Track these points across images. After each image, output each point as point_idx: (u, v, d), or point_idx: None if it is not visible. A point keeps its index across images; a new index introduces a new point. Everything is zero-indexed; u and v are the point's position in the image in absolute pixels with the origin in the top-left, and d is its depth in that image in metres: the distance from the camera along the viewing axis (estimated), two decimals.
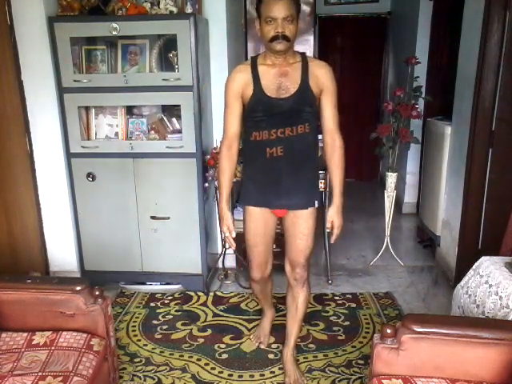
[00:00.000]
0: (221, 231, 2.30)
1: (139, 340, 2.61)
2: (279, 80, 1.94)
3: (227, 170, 2.08)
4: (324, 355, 2.45)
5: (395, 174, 3.46)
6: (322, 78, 1.97)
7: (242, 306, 2.96)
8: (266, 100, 1.95)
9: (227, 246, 3.12)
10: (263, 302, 2.55)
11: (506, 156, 2.78)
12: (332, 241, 2.17)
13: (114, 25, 2.70)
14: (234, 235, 2.13)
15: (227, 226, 2.12)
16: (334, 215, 2.11)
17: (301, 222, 2.11)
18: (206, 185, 2.96)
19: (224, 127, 2.08)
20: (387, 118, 3.59)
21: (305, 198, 2.09)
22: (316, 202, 2.13)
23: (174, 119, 2.99)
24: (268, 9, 1.83)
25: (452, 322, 1.74)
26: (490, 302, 1.95)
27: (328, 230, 2.17)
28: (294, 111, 1.96)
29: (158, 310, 2.92)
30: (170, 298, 3.06)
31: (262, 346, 2.53)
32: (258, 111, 1.97)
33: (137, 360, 2.44)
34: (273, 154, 1.99)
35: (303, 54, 2.01)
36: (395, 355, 1.62)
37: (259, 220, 2.13)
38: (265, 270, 2.25)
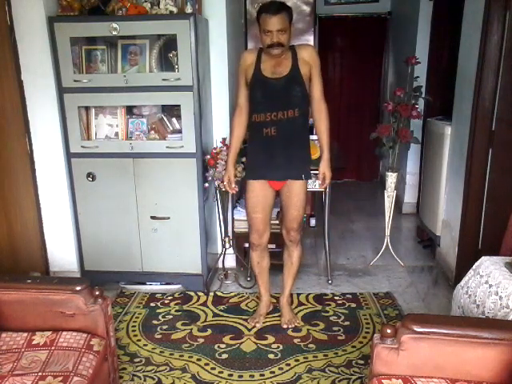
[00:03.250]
0: (223, 181, 2.65)
1: (139, 340, 2.61)
2: (275, 67, 2.39)
3: (236, 129, 2.53)
4: (324, 355, 2.45)
5: (395, 174, 3.46)
6: (308, 57, 2.40)
7: (242, 305, 2.96)
8: (263, 79, 2.39)
9: (227, 246, 3.15)
10: (260, 280, 2.77)
11: (506, 156, 2.78)
12: (322, 188, 2.70)
13: (114, 25, 2.70)
14: (233, 185, 2.59)
15: (228, 178, 2.56)
16: (325, 168, 2.52)
17: (294, 196, 2.52)
18: (206, 185, 2.96)
19: (235, 97, 2.56)
20: (387, 118, 3.60)
21: (294, 171, 2.49)
22: (303, 176, 2.50)
23: (173, 119, 2.99)
24: (265, 23, 2.26)
25: (452, 322, 1.74)
26: (490, 301, 1.95)
27: (319, 182, 2.58)
28: (286, 90, 2.38)
29: (158, 310, 2.92)
30: (170, 297, 3.06)
31: (258, 325, 2.70)
32: (257, 90, 2.41)
33: (137, 360, 2.44)
34: (268, 134, 2.42)
35: (292, 46, 2.42)
36: (395, 355, 1.62)
37: (258, 191, 2.53)
38: (262, 235, 2.62)
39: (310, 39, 4.26)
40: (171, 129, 2.99)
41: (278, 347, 2.53)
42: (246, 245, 3.37)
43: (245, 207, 2.65)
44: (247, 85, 2.45)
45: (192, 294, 3.10)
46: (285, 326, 2.69)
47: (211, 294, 3.10)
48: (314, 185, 2.99)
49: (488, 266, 2.07)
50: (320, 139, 2.51)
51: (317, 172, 2.56)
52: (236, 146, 2.54)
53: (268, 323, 2.74)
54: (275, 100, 2.39)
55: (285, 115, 2.37)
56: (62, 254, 3.20)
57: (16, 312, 1.89)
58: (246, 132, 2.57)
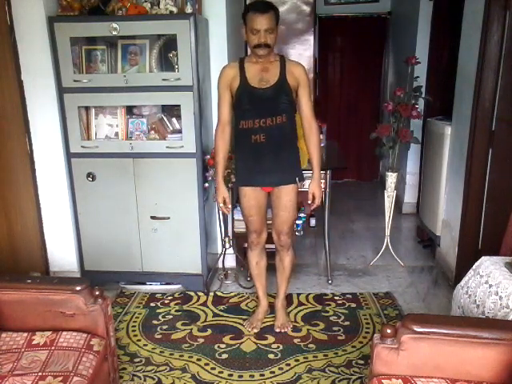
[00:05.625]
0: (217, 203, 2.63)
1: (139, 340, 2.61)
2: (261, 74, 2.35)
3: (221, 149, 2.48)
4: (324, 355, 2.45)
5: (395, 174, 3.46)
6: (297, 74, 2.37)
7: (242, 305, 2.96)
8: (250, 89, 2.34)
9: (227, 246, 3.15)
10: (258, 282, 2.75)
11: (506, 156, 2.78)
12: (312, 208, 2.60)
13: (114, 25, 2.70)
14: (230, 206, 2.56)
15: (223, 198, 2.51)
16: (314, 188, 2.50)
17: (283, 197, 2.49)
18: (206, 185, 2.96)
19: (218, 114, 2.48)
20: (387, 118, 3.59)
21: (284, 177, 2.46)
22: (297, 179, 2.48)
23: (173, 119, 2.99)
24: (252, 22, 2.22)
25: (452, 322, 1.74)
26: (490, 301, 1.95)
27: (309, 202, 2.54)
28: (274, 99, 2.34)
29: (158, 310, 2.92)
30: (170, 298, 3.06)
31: (255, 331, 2.67)
32: (244, 99, 2.36)
33: (137, 360, 2.44)
34: (257, 140, 2.38)
35: (281, 56, 2.42)
36: (395, 355, 1.62)
37: (250, 196, 2.51)
38: (260, 234, 2.62)
39: (310, 39, 4.27)
40: (171, 129, 2.99)
41: (278, 347, 2.53)
42: (246, 245, 3.38)
43: (240, 211, 2.63)
44: (232, 97, 2.41)
45: (192, 293, 3.10)
46: (277, 330, 2.66)
47: (211, 294, 3.10)
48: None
49: (488, 266, 2.06)
50: (311, 158, 2.48)
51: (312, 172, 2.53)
52: (223, 164, 2.50)
53: (268, 323, 2.74)
54: (263, 108, 2.35)
55: (273, 121, 2.35)
56: (62, 254, 3.20)
57: (16, 312, 1.89)
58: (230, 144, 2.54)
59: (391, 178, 3.46)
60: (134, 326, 2.75)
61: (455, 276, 3.06)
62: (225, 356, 2.46)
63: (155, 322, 2.79)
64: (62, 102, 2.88)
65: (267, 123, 2.35)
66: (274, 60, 2.36)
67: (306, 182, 2.76)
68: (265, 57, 2.32)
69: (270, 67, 2.35)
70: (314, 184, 2.49)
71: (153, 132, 2.96)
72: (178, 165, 2.91)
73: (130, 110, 3.00)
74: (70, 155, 2.98)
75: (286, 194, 2.48)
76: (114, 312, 2.84)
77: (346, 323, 2.74)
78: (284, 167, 2.45)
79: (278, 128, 2.36)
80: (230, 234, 3.20)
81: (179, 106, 2.84)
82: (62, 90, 2.86)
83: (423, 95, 3.46)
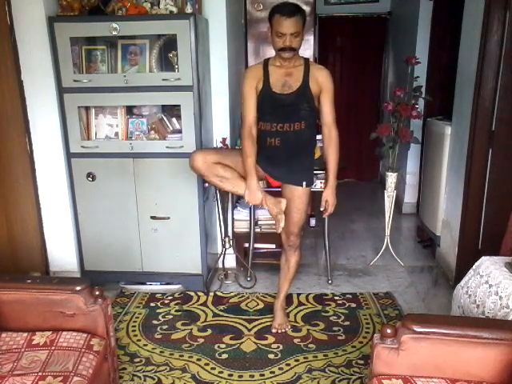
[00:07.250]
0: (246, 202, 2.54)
1: (139, 340, 2.61)
2: (284, 79, 2.34)
3: (251, 151, 2.38)
4: (324, 355, 2.45)
5: (395, 174, 3.46)
6: (321, 79, 2.35)
7: (242, 305, 2.96)
8: (271, 94, 2.35)
9: (227, 246, 3.15)
10: (229, 174, 2.45)
11: (506, 156, 2.78)
12: (325, 216, 2.60)
13: (114, 25, 2.70)
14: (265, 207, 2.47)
15: (260, 199, 2.40)
16: (328, 195, 2.49)
17: (296, 199, 2.50)
18: (206, 185, 2.96)
19: (244, 115, 2.42)
20: (387, 118, 3.60)
21: (295, 177, 2.47)
22: (304, 184, 2.48)
23: (173, 119, 2.99)
24: (278, 25, 2.20)
25: (452, 322, 1.74)
26: (490, 301, 1.95)
27: (322, 209, 2.53)
28: (294, 105, 2.34)
29: (158, 310, 2.92)
30: (170, 298, 3.06)
31: (282, 225, 2.45)
32: (266, 103, 2.37)
33: (137, 360, 2.44)
34: (272, 144, 2.41)
35: (306, 59, 2.40)
36: (395, 355, 1.62)
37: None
38: (205, 155, 2.41)
39: (310, 39, 4.25)
40: (171, 129, 2.99)
41: (278, 347, 2.52)
42: (246, 245, 3.38)
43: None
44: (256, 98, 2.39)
45: (192, 294, 3.10)
46: (274, 331, 2.65)
47: (211, 294, 3.10)
48: (315, 185, 2.98)
49: (488, 266, 2.07)
50: (328, 165, 2.47)
51: (320, 172, 2.54)
52: (254, 167, 2.39)
53: (268, 323, 2.74)
54: (283, 113, 2.36)
55: (291, 127, 2.35)
56: (62, 254, 3.19)
57: (16, 312, 1.89)
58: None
59: (391, 178, 3.46)
60: (133, 326, 2.75)
61: (455, 276, 3.06)
62: (225, 356, 2.46)
63: (155, 322, 2.79)
64: (62, 101, 2.88)
65: (284, 128, 2.35)
66: (298, 64, 2.35)
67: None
68: (289, 60, 2.31)
69: (294, 71, 2.34)
70: (329, 191, 2.48)
71: (153, 132, 2.96)
72: (177, 165, 2.90)
73: (130, 110, 3.00)
74: (69, 155, 2.98)
75: (298, 197, 2.50)
76: (114, 312, 2.84)
77: (346, 323, 2.74)
78: (294, 171, 2.46)
79: (295, 134, 2.37)
80: (230, 234, 3.20)
81: (179, 106, 2.84)
82: (61, 90, 2.86)
83: (423, 95, 3.47)
